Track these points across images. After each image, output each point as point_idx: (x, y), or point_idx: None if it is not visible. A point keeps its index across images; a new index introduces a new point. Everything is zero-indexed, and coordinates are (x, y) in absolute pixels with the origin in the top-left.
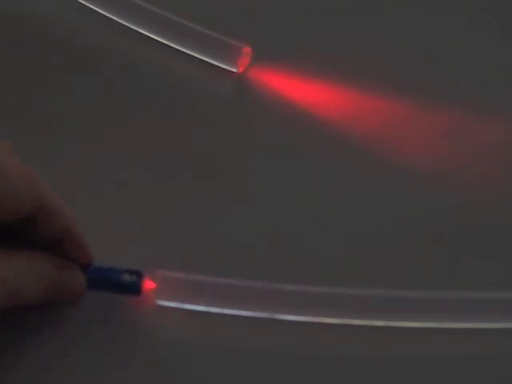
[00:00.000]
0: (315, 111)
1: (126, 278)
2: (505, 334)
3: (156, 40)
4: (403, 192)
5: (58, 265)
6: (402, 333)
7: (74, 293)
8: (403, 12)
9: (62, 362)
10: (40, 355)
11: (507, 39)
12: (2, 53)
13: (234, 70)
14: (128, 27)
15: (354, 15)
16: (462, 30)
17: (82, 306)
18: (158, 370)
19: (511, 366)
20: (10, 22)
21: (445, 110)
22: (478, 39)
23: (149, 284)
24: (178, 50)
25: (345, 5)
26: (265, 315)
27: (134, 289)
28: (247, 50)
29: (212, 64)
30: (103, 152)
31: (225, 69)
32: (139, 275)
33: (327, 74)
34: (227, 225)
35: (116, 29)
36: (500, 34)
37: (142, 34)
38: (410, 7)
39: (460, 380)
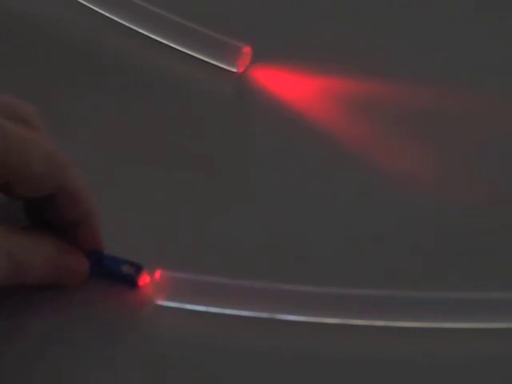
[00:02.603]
0: (315, 111)
1: (125, 269)
2: (505, 333)
3: (156, 40)
4: (403, 192)
5: (65, 250)
6: (401, 333)
7: (75, 278)
8: (404, 12)
9: (61, 361)
10: (39, 354)
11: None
12: (1, 53)
13: (234, 70)
14: (128, 27)
15: (354, 15)
16: (463, 29)
17: (82, 305)
18: (157, 370)
19: (511, 366)
20: (10, 22)
21: (444, 111)
22: (481, 38)
23: (146, 279)
24: (178, 50)
25: (345, 5)
26: (265, 315)
27: (130, 281)
28: (247, 49)
29: (212, 64)
30: (103, 152)
31: (225, 69)
32: (138, 269)
33: (327, 74)
34: (227, 224)
35: (116, 29)
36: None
37: (142, 33)
38: (411, 7)
39: (460, 380)
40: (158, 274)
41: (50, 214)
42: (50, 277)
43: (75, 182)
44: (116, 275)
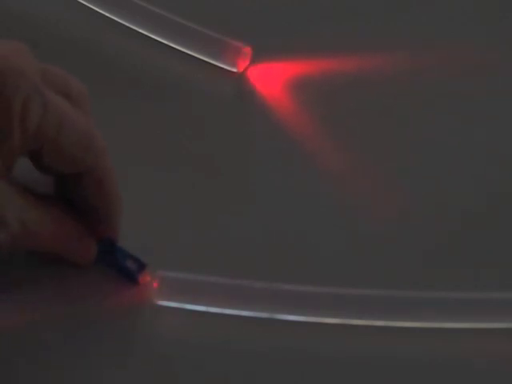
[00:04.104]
0: (315, 111)
1: (129, 264)
2: (505, 333)
3: (156, 40)
4: (403, 192)
5: (76, 231)
6: (401, 333)
7: (80, 259)
8: (404, 12)
9: (60, 361)
10: (39, 354)
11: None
12: None
13: (234, 69)
14: (128, 27)
15: (354, 15)
16: (463, 29)
17: (82, 305)
18: (157, 370)
19: (511, 366)
20: (10, 22)
21: (444, 111)
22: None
23: (146, 278)
24: (178, 50)
25: (345, 5)
26: (265, 315)
27: (131, 277)
28: (247, 49)
29: (212, 64)
30: None
31: (225, 69)
32: (141, 266)
33: (327, 74)
34: (227, 224)
35: (116, 29)
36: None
37: (142, 33)
38: (411, 7)
39: (460, 380)
40: (158, 273)
41: (74, 193)
42: (55, 251)
43: (105, 169)
44: (119, 268)
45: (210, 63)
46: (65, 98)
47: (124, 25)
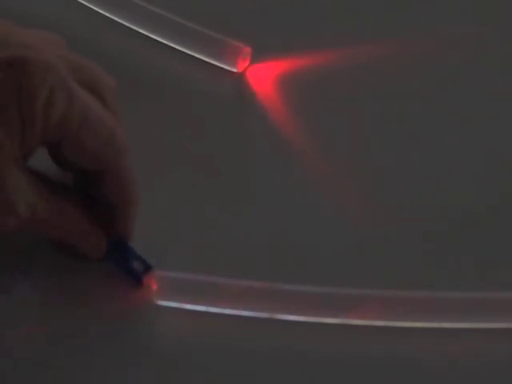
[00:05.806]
0: (315, 110)
1: (135, 265)
2: (505, 333)
3: (156, 40)
4: (404, 192)
5: (86, 226)
6: (402, 333)
7: (89, 253)
8: (404, 12)
9: (61, 361)
10: (39, 354)
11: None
12: None
13: (234, 69)
14: (128, 27)
15: (354, 15)
16: (463, 29)
17: (82, 305)
18: (157, 370)
19: (511, 366)
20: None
21: (444, 111)
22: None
23: (150, 280)
24: (178, 50)
25: (345, 5)
26: (265, 315)
27: (136, 277)
28: (247, 49)
29: (212, 64)
30: None
31: (225, 69)
32: (147, 268)
33: (327, 74)
34: (227, 224)
35: (116, 29)
36: None
37: (142, 33)
38: (411, 7)
39: (460, 380)
40: (158, 274)
41: (92, 188)
42: (63, 239)
43: (125, 169)
44: (125, 267)
45: (210, 63)
46: (92, 93)
47: (124, 25)
